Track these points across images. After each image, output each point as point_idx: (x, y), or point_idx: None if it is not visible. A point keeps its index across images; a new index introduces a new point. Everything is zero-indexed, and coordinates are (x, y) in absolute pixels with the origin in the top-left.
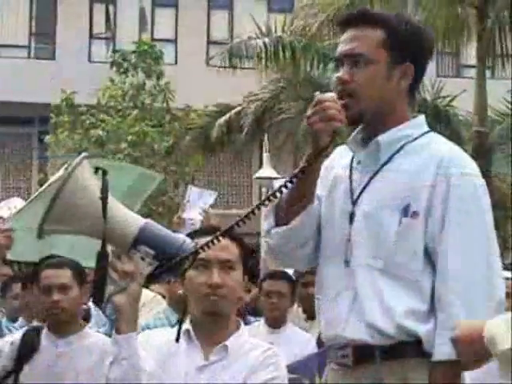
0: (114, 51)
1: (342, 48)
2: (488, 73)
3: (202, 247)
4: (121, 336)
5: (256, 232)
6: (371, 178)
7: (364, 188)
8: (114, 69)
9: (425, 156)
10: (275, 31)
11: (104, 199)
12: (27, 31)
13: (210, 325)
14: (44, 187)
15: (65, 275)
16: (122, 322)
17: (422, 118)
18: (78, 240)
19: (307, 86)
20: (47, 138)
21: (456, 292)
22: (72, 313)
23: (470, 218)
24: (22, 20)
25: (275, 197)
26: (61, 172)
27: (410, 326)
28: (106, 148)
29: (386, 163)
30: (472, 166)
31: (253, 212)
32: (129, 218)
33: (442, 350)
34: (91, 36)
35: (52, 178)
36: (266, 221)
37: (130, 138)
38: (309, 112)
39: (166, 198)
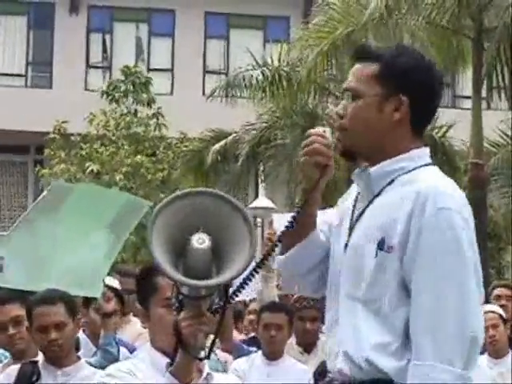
0: (109, 85)
1: (344, 84)
2: (483, 103)
3: (234, 292)
4: None
5: None
6: (364, 210)
7: (357, 220)
8: (104, 98)
9: (407, 190)
10: (271, 61)
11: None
12: (24, 60)
13: None
14: (26, 212)
15: (59, 312)
16: (191, 370)
17: (423, 150)
18: (71, 268)
19: (303, 116)
20: (38, 170)
21: (425, 330)
22: (69, 347)
23: (444, 253)
24: (19, 49)
25: (280, 241)
26: (43, 194)
27: (377, 360)
28: (101, 179)
29: (377, 195)
30: (453, 201)
31: (262, 261)
32: None
33: None
34: (88, 65)
35: (33, 204)
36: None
37: (124, 169)
38: (302, 146)
39: None
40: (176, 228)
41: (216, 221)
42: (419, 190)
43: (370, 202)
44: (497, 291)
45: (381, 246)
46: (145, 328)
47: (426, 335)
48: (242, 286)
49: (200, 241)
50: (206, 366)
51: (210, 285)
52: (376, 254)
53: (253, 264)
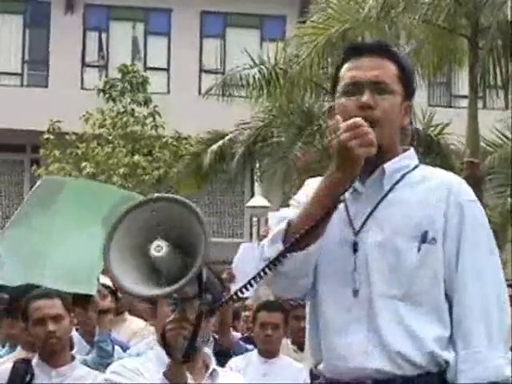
0: (105, 83)
1: (362, 73)
2: (479, 102)
3: (236, 292)
4: None
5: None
6: (375, 207)
7: (368, 217)
8: (101, 96)
9: (431, 185)
10: (268, 60)
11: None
12: (20, 59)
13: None
14: (19, 209)
15: (57, 305)
16: (182, 373)
17: (413, 150)
18: (66, 264)
19: (299, 114)
20: (34, 170)
21: (478, 318)
22: (65, 342)
23: (482, 244)
24: (15, 47)
25: (315, 230)
26: (34, 189)
27: (439, 353)
28: (97, 180)
29: (388, 193)
30: (474, 194)
31: (283, 255)
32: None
33: (468, 376)
34: (84, 64)
35: (26, 200)
36: (270, 247)
37: (121, 170)
38: (344, 135)
39: None
40: (137, 240)
41: (173, 224)
42: (449, 184)
43: (383, 199)
44: None
45: (424, 239)
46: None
47: (478, 323)
48: (250, 284)
49: (158, 248)
50: (213, 363)
51: (161, 293)
52: (419, 249)
53: (260, 261)
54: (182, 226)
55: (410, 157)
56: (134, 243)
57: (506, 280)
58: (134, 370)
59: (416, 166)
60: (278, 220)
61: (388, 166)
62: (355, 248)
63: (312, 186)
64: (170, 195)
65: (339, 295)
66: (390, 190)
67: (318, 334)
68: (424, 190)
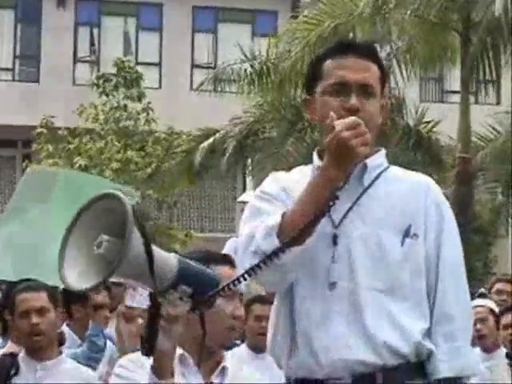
0: (98, 77)
1: (351, 74)
2: (471, 98)
3: (228, 285)
4: (164, 381)
5: None
6: (356, 201)
7: (348, 210)
8: (95, 89)
9: (409, 184)
10: (259, 54)
11: (149, 253)
12: (11, 54)
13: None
14: (11, 202)
15: (42, 298)
16: (165, 367)
17: (384, 150)
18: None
19: (290, 109)
20: (26, 165)
21: (456, 315)
22: (51, 336)
23: (457, 241)
24: (7, 42)
25: (313, 226)
26: (25, 177)
27: (424, 343)
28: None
29: (368, 188)
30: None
31: (282, 249)
32: (166, 258)
33: (449, 366)
34: (75, 59)
35: (16, 193)
36: (265, 240)
37: (114, 165)
38: (347, 134)
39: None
40: (93, 237)
41: (114, 217)
42: (423, 185)
43: (363, 194)
44: (498, 285)
45: (407, 233)
46: None
47: (458, 319)
48: (243, 277)
49: (99, 244)
50: (224, 360)
51: (96, 282)
52: (402, 243)
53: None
54: (117, 217)
55: (383, 156)
56: (91, 241)
57: (504, 275)
58: (139, 365)
59: (388, 166)
60: (253, 212)
61: (369, 162)
62: (335, 241)
63: (285, 180)
64: (108, 192)
65: (316, 288)
66: (370, 185)
67: (291, 328)
68: (403, 188)
